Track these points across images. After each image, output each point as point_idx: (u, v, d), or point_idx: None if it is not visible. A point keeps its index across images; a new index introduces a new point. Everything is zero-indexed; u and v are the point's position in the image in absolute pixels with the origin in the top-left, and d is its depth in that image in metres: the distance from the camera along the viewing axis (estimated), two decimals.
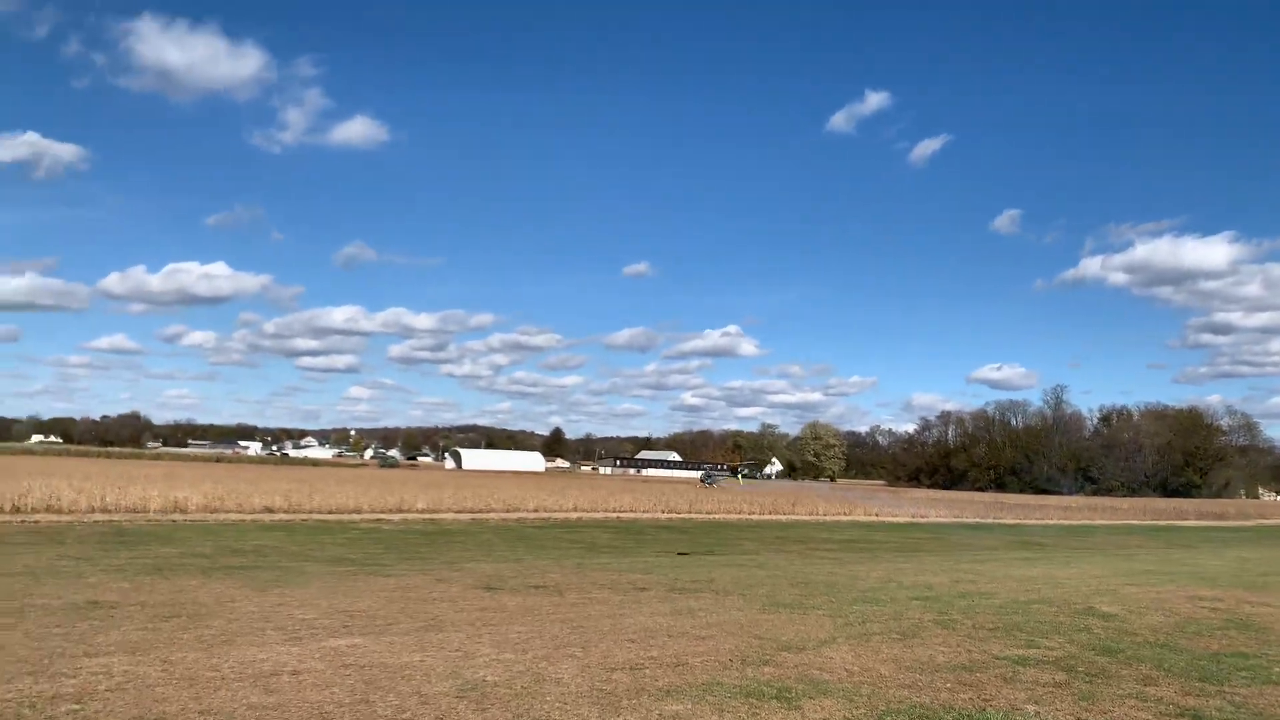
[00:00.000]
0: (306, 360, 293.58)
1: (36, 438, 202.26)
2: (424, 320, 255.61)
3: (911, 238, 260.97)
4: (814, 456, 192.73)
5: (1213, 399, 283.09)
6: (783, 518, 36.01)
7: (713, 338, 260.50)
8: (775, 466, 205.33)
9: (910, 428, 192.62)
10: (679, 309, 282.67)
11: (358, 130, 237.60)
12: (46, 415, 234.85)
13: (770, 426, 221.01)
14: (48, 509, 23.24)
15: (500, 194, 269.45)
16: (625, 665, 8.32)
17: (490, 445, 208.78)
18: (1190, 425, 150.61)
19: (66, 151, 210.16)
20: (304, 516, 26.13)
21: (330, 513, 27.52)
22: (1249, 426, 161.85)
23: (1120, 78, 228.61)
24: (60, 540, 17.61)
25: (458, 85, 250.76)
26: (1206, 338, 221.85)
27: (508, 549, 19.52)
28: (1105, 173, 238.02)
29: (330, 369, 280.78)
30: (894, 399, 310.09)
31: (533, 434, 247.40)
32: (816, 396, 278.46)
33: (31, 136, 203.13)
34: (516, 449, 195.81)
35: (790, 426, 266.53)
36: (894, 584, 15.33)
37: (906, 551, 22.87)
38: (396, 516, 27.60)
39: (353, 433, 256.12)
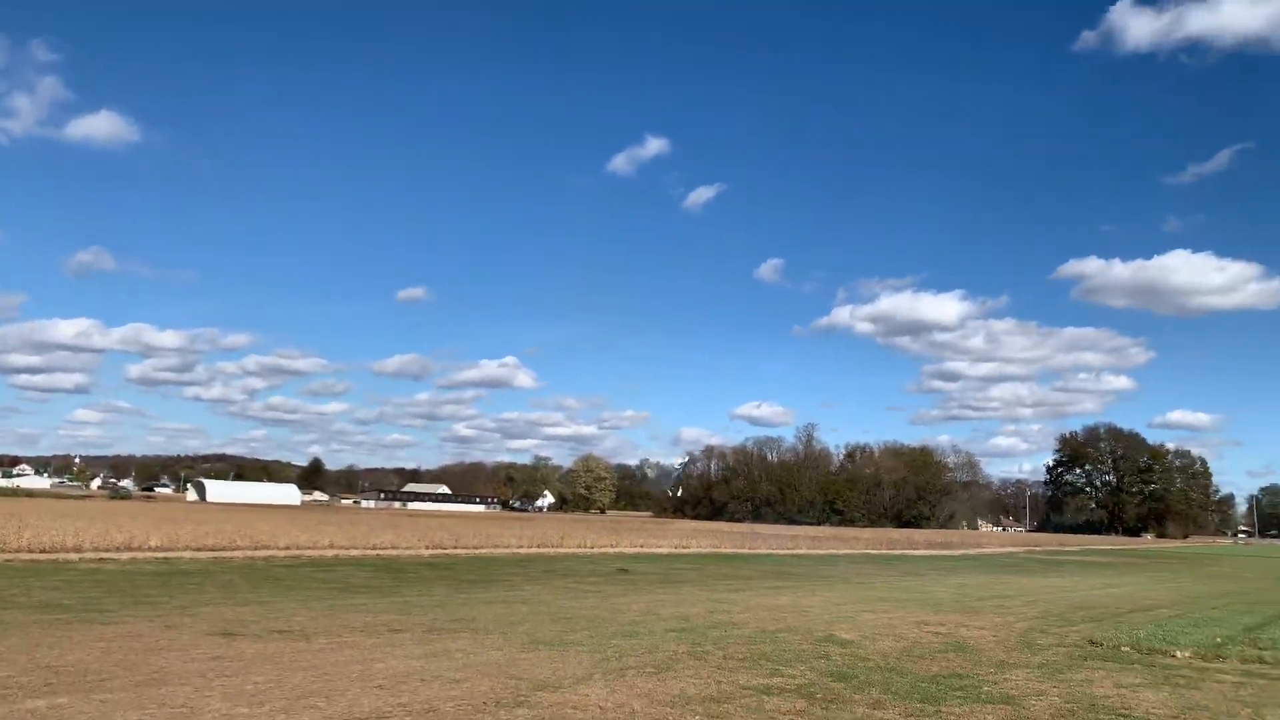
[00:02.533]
0: (23, 379, 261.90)
1: None
2: (169, 338, 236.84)
3: (684, 279, 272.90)
4: (585, 489, 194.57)
5: (942, 439, 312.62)
6: (551, 551, 35.91)
7: (489, 368, 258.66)
8: (548, 499, 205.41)
9: (678, 461, 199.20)
10: (455, 337, 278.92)
11: (102, 126, 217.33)
12: None
13: (544, 459, 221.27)
14: None
15: (266, 206, 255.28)
16: (371, 714, 7.89)
17: (240, 476, 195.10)
18: (922, 462, 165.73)
19: None
20: (9, 556, 23.10)
21: (43, 551, 24.50)
22: (971, 464, 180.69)
23: (870, 148, 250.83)
24: None
25: (221, 88, 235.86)
26: (938, 384, 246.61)
27: (251, 590, 18.14)
28: (857, 230, 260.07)
29: (53, 388, 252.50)
30: (664, 432, 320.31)
31: (289, 464, 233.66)
32: (591, 430, 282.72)
33: None
34: (270, 480, 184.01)
35: (564, 459, 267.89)
36: (653, 616, 15.60)
37: (668, 583, 23.42)
38: (124, 555, 24.99)
39: (77, 460, 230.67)
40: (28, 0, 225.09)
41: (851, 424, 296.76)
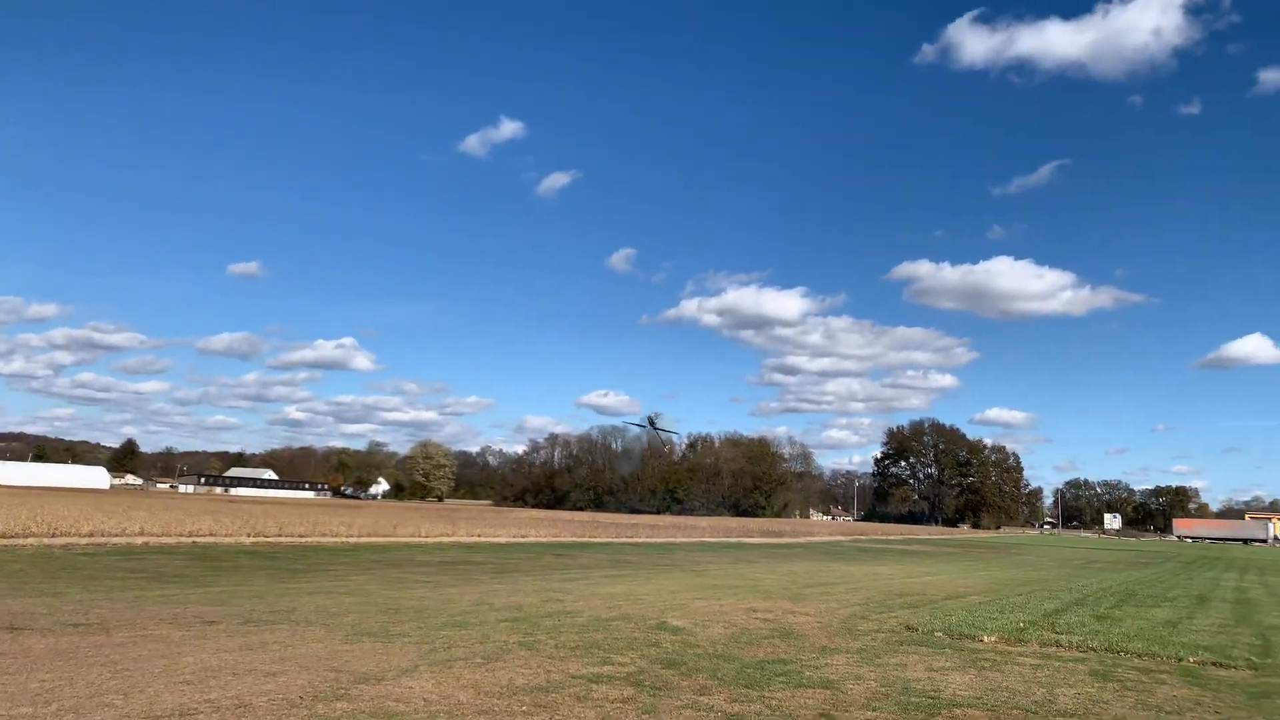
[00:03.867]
0: None
1: None
2: None
3: (535, 265, 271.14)
4: (423, 476, 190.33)
5: (780, 430, 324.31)
6: (382, 539, 34.84)
7: (325, 349, 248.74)
8: (382, 486, 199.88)
9: (521, 449, 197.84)
10: (290, 315, 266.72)
11: None
12: None
13: (379, 444, 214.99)
14: None
15: (82, 166, 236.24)
16: (174, 711, 7.35)
17: (41, 457, 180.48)
18: (760, 453, 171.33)
19: None
20: None
21: None
22: (805, 456, 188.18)
23: (720, 145, 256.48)
24: None
25: (50, 48, 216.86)
26: (778, 377, 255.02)
27: (45, 581, 16.68)
28: (707, 225, 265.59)
29: None
30: (508, 420, 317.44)
31: (99, 446, 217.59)
32: (431, 415, 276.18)
33: None
34: (76, 462, 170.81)
35: (401, 445, 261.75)
36: (485, 606, 15.34)
37: (503, 572, 23.14)
38: None
39: None
40: None
41: (695, 414, 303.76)
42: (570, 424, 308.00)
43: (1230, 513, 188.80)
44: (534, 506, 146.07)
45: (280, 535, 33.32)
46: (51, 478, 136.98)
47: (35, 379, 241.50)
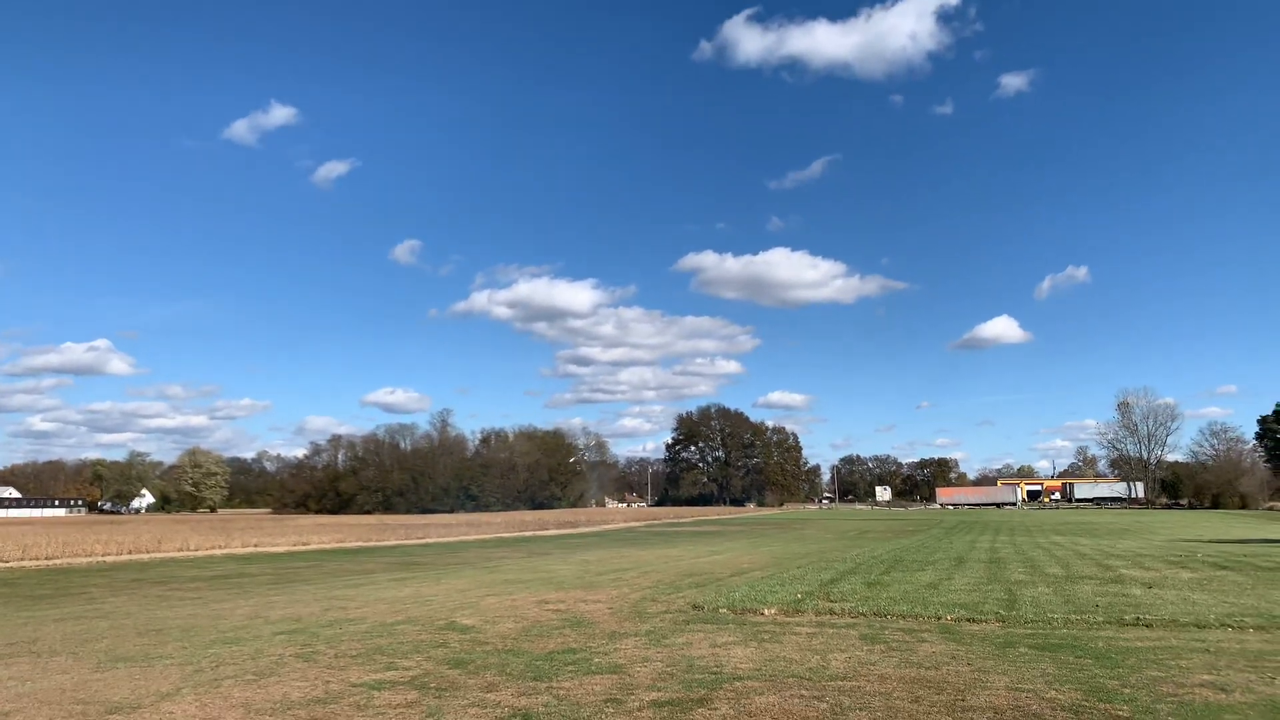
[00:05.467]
0: None
1: None
2: None
3: (312, 258, 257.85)
4: (193, 486, 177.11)
5: (575, 421, 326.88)
6: (145, 556, 32.07)
7: (75, 352, 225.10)
8: (147, 499, 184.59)
9: (302, 452, 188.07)
10: (33, 315, 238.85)
11: None
12: None
13: (141, 454, 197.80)
14: None
15: None
16: None
17: None
18: (555, 445, 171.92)
19: None
20: None
21: None
22: (600, 445, 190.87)
23: (508, 136, 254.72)
24: None
25: None
26: (573, 368, 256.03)
27: None
28: (496, 217, 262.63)
29: None
30: (287, 423, 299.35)
31: None
32: (201, 420, 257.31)
33: None
34: None
35: (168, 454, 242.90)
36: (260, 620, 14.43)
37: (281, 583, 21.90)
38: None
39: None
40: None
41: (489, 409, 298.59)
42: (355, 424, 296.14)
43: (985, 480, 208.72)
44: (317, 512, 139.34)
45: (23, 559, 29.96)
46: None
47: None
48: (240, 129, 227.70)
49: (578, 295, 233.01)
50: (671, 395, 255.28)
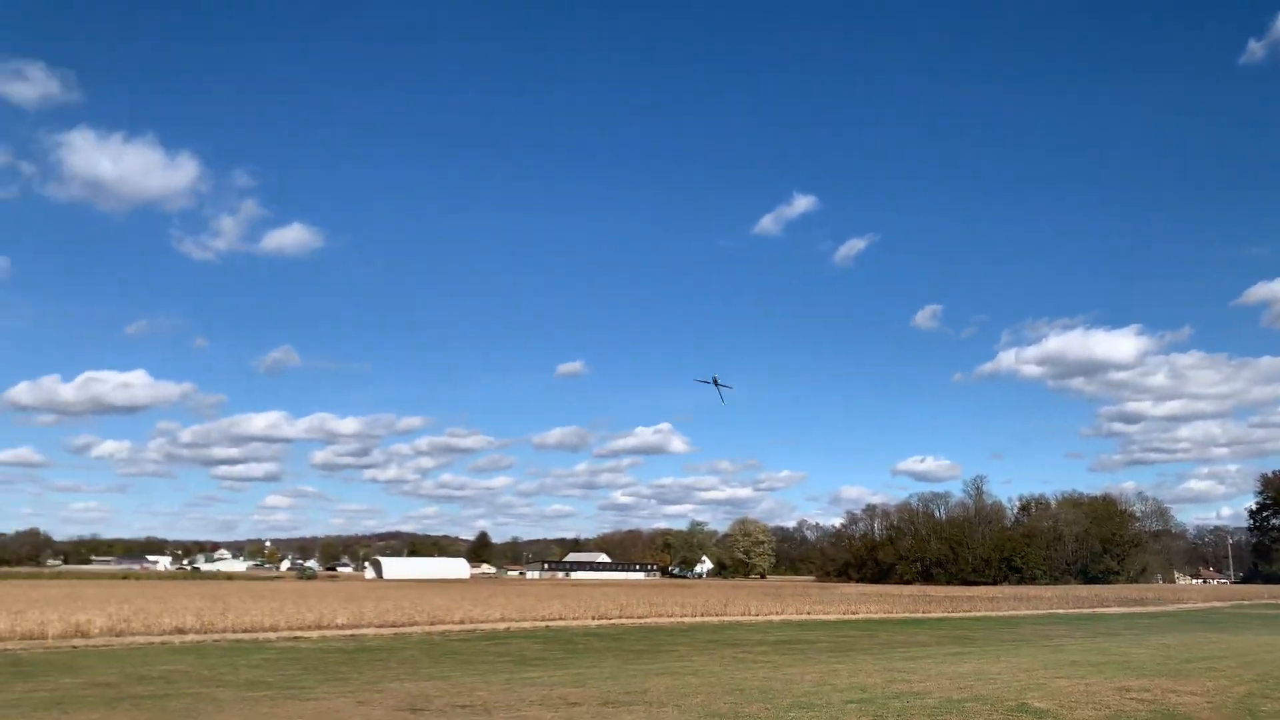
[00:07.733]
0: (223, 469, 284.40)
1: None
2: (349, 424, 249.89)
3: (836, 334, 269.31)
4: (744, 553, 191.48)
5: (1126, 486, 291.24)
6: (715, 619, 35.52)
7: (644, 435, 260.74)
8: (706, 565, 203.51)
9: (837, 521, 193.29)
10: (611, 406, 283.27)
11: (292, 236, 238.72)
12: None
13: (700, 524, 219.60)
14: None
15: (431, 297, 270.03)
16: None
17: (413, 552, 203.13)
18: (1105, 512, 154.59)
19: None
20: (216, 636, 24.80)
21: (245, 631, 26.19)
22: (1161, 512, 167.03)
23: (1032, 186, 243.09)
24: None
25: (391, 190, 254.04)
26: (1118, 426, 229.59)
27: (432, 665, 18.78)
28: (1019, 271, 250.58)
29: (248, 478, 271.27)
30: (822, 493, 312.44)
31: (458, 539, 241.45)
32: (746, 492, 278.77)
33: None
34: (441, 555, 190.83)
35: (720, 523, 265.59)
36: (828, 686, 15.15)
37: (839, 651, 22.71)
38: (315, 633, 26.39)
39: (268, 544, 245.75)
40: (230, 135, 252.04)
41: (1025, 475, 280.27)
42: (887, 493, 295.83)
43: None
44: (858, 581, 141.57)
45: (621, 617, 35.05)
46: (424, 570, 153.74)
47: (406, 483, 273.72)
48: (768, 222, 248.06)
49: (1119, 344, 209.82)
50: (1250, 452, 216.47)
